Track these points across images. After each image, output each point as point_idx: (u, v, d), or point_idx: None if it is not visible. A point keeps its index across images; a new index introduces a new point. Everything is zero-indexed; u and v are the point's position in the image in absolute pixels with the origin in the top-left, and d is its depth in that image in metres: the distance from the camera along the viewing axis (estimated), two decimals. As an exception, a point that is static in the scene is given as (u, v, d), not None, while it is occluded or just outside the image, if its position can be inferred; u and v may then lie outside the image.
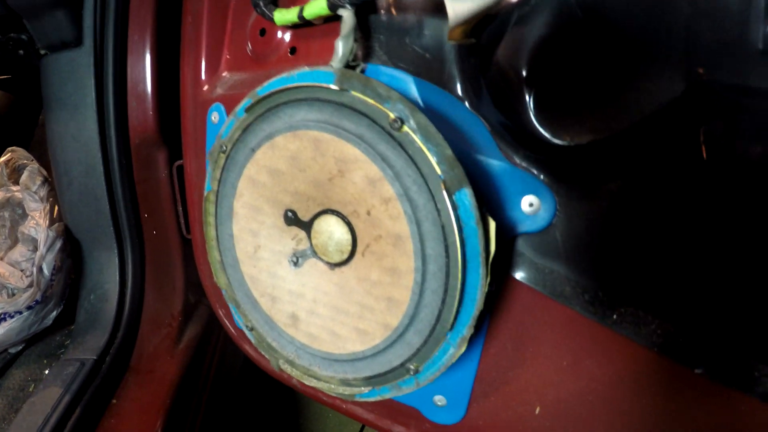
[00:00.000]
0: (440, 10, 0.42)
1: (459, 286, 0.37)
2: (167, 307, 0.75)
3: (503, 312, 0.44)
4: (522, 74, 0.39)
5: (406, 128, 0.37)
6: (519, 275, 0.42)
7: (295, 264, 0.47)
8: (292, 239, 0.47)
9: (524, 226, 0.41)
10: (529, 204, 0.41)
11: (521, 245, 0.42)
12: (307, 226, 0.46)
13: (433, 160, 0.36)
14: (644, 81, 0.37)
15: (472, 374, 0.47)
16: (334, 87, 0.40)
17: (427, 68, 0.44)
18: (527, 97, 0.39)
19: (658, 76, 0.36)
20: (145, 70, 0.71)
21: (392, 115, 0.38)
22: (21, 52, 0.79)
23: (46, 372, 0.70)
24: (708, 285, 0.38)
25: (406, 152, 0.37)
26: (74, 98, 0.71)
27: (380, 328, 0.42)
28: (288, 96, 0.43)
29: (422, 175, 0.37)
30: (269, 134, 0.44)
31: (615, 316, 0.40)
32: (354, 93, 0.39)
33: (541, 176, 0.41)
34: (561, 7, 0.37)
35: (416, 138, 0.37)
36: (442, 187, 0.36)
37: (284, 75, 0.43)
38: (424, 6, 0.43)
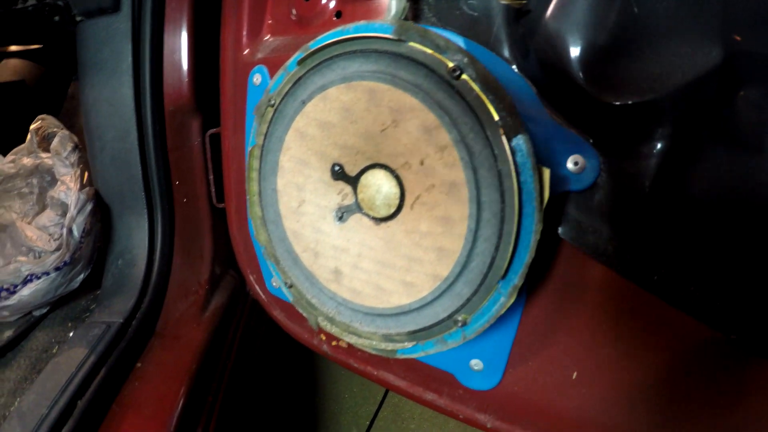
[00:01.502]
0: (493, -29, 0.43)
1: (514, 232, 0.37)
2: (194, 275, 0.75)
3: (545, 273, 0.44)
4: (569, 37, 0.40)
5: (465, 76, 0.38)
6: (563, 233, 0.43)
7: (340, 219, 0.47)
8: (337, 194, 0.47)
9: (569, 185, 0.42)
10: (574, 163, 0.41)
11: (566, 203, 0.42)
12: (353, 181, 0.46)
13: (491, 107, 0.37)
14: (685, 47, 0.37)
15: (511, 337, 0.47)
16: (392, 37, 0.40)
17: (476, 31, 0.45)
18: (574, 58, 0.40)
19: (698, 43, 0.37)
20: (181, 37, 0.72)
21: (451, 64, 0.38)
22: (56, 18, 0.79)
23: (71, 334, 0.70)
24: (748, 251, 0.38)
25: (465, 100, 0.38)
26: (110, 63, 0.72)
27: (429, 279, 0.42)
28: (343, 48, 0.43)
29: (480, 122, 0.37)
30: (322, 86, 0.44)
31: (655, 278, 0.41)
32: (412, 44, 0.40)
33: (586, 136, 0.41)
34: None
35: (475, 86, 0.37)
36: (501, 132, 0.36)
37: (339, 28, 0.43)
38: (477, -34, 0.44)
